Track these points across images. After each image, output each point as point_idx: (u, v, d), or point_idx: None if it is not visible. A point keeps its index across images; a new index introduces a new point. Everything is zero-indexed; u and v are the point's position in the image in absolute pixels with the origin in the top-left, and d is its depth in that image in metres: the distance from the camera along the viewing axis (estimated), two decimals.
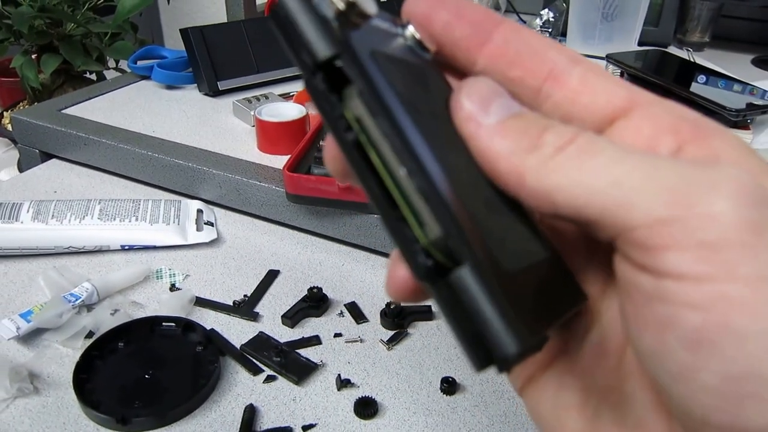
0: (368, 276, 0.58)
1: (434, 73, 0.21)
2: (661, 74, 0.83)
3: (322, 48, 0.17)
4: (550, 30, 1.00)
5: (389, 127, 0.17)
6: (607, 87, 0.19)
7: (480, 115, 0.18)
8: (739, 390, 0.15)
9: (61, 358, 0.48)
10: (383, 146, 0.17)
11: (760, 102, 0.75)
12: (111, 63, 1.24)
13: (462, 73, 0.21)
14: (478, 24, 0.20)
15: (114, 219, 0.62)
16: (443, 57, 0.21)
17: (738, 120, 0.72)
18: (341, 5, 0.17)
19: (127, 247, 0.61)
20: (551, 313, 0.18)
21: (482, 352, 0.16)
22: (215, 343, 0.49)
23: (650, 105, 0.19)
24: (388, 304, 0.53)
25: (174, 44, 1.63)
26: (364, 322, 0.53)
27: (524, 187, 0.17)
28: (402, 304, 0.52)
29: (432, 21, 0.20)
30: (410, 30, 0.20)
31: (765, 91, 0.78)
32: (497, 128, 0.18)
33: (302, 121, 0.70)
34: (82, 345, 0.49)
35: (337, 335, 0.51)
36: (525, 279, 0.17)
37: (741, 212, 0.15)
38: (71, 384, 0.44)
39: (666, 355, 0.16)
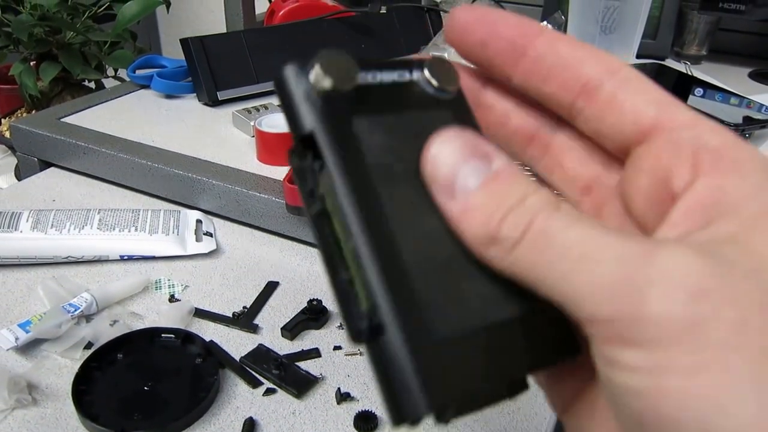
0: None
1: (444, 118, 0.21)
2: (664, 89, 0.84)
3: (302, 124, 0.19)
4: None
5: (341, 202, 0.18)
6: (635, 105, 0.19)
7: (446, 196, 0.18)
8: None
9: (60, 369, 0.48)
10: (337, 220, 0.18)
11: (757, 116, 0.76)
12: (110, 71, 1.24)
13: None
14: (513, 40, 0.20)
15: (113, 229, 0.62)
16: (483, 72, 0.21)
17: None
18: (327, 83, 0.18)
19: (126, 258, 0.61)
20: (520, 366, 0.19)
21: (396, 409, 0.17)
22: (215, 355, 0.49)
23: (674, 130, 0.19)
24: None
25: (172, 52, 1.63)
26: None
27: (493, 266, 0.18)
28: None
29: (466, 42, 0.20)
30: (425, 74, 0.21)
31: (762, 104, 0.79)
32: (462, 214, 0.18)
33: None
34: (80, 356, 0.49)
35: (337, 348, 0.51)
36: (477, 339, 0.18)
37: (673, 309, 0.15)
38: (70, 395, 0.44)
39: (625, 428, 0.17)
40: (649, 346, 0.15)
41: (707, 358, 0.15)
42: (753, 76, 1.09)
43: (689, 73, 0.96)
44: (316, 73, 0.19)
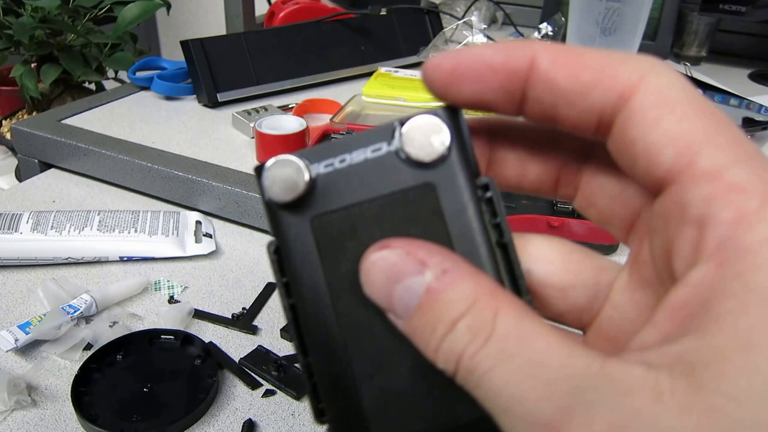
0: None
1: (418, 195, 0.19)
2: None
3: (270, 229, 0.20)
4: None
5: (299, 308, 0.19)
6: (649, 147, 0.16)
7: (392, 315, 0.18)
8: None
9: (59, 370, 0.48)
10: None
11: (758, 117, 0.75)
12: (110, 73, 1.25)
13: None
14: (505, 88, 0.18)
15: (113, 230, 0.62)
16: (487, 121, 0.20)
17: None
18: (274, 196, 0.19)
19: (125, 259, 0.61)
20: None
21: None
22: (214, 356, 0.49)
23: (687, 186, 0.15)
24: None
25: (171, 54, 1.63)
26: None
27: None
28: None
29: (457, 99, 0.18)
30: (402, 143, 0.19)
31: (762, 105, 0.79)
32: (410, 333, 0.17)
33: (302, 134, 0.70)
34: (80, 357, 0.49)
35: None
36: None
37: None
38: (69, 397, 0.44)
39: None
40: None
41: None
42: (753, 77, 1.09)
43: (689, 75, 0.96)
44: (265, 187, 0.19)
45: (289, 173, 0.19)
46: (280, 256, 0.20)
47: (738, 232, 0.14)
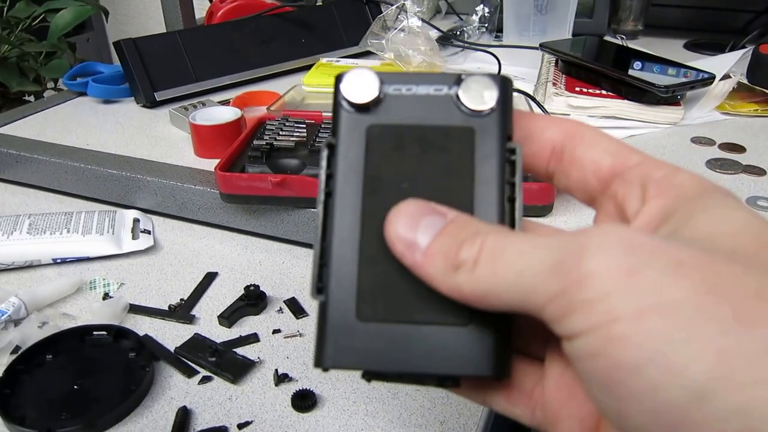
0: (308, 271, 0.57)
1: (460, 136, 0.23)
2: (598, 60, 0.84)
3: (332, 127, 0.24)
4: (486, 25, 1.01)
5: (333, 194, 0.23)
6: (593, 159, 0.23)
7: (410, 249, 0.21)
8: (662, 422, 0.16)
9: None
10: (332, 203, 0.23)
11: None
12: (50, 84, 1.22)
13: None
14: None
15: (44, 232, 0.60)
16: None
17: (667, 96, 0.73)
18: (349, 96, 0.23)
19: (59, 260, 0.59)
20: (430, 365, 0.21)
21: (315, 355, 0.22)
22: (148, 348, 0.47)
23: (625, 172, 0.22)
24: None
25: None
26: (303, 316, 0.51)
27: (465, 296, 0.20)
28: None
29: None
30: (460, 90, 0.23)
31: (699, 71, 0.80)
32: (427, 256, 0.20)
33: (237, 123, 0.68)
34: (7, 361, 0.47)
35: (276, 331, 0.50)
36: (396, 330, 0.21)
37: (609, 264, 0.17)
38: None
39: (606, 409, 0.18)
40: (595, 304, 0.17)
41: (650, 300, 0.16)
42: (688, 46, 1.11)
43: (625, 46, 0.96)
44: (341, 87, 0.23)
45: (366, 80, 0.23)
46: (331, 152, 0.23)
47: (670, 178, 0.21)
